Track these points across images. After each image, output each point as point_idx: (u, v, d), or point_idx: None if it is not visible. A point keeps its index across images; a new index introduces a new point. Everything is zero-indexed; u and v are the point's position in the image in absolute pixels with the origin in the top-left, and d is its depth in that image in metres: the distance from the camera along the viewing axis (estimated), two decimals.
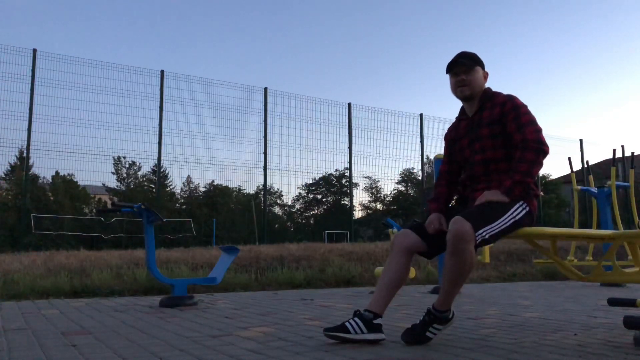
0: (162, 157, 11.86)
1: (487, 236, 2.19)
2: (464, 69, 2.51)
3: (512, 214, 2.29)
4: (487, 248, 5.66)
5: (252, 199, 19.77)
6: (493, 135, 2.44)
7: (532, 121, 2.40)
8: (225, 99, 13.00)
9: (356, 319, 2.28)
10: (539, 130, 2.39)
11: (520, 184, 2.30)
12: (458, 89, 2.53)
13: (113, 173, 21.12)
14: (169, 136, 12.01)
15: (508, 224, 2.27)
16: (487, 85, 2.59)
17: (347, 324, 2.25)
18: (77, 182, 19.47)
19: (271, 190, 20.91)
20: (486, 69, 2.59)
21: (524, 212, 2.33)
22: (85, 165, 11.68)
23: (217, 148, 12.77)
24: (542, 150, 2.33)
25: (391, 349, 2.16)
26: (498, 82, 63.22)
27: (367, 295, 4.90)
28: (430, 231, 2.42)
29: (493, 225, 2.23)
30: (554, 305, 3.89)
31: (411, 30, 67.66)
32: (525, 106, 2.47)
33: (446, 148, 2.70)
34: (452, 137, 2.65)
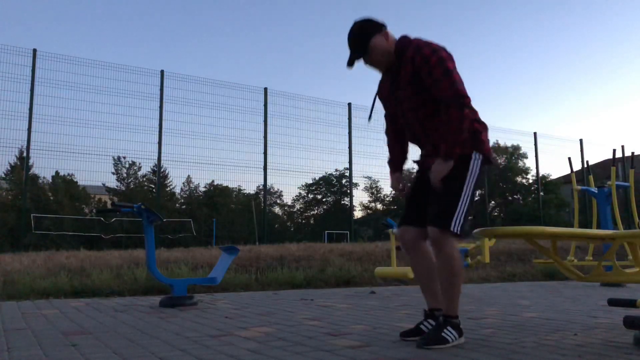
0: (162, 157, 11.85)
1: (459, 225, 2.25)
2: (362, 57, 2.40)
3: (468, 181, 2.29)
4: (487, 248, 5.67)
5: (252, 199, 19.77)
6: (416, 93, 2.31)
7: (445, 72, 2.22)
8: (225, 99, 12.99)
9: (450, 328, 2.24)
10: (454, 81, 2.22)
11: (456, 143, 2.23)
12: (374, 70, 2.47)
13: (113, 173, 21.14)
14: (169, 136, 12.00)
15: (469, 194, 2.29)
16: (399, 35, 2.43)
17: (445, 335, 2.20)
18: (77, 182, 19.49)
19: (271, 190, 20.92)
20: (389, 31, 2.39)
21: (478, 165, 2.32)
22: (85, 165, 11.65)
23: (217, 148, 12.77)
24: (463, 104, 2.21)
25: (391, 349, 2.16)
26: (498, 81, 63.25)
27: (367, 296, 4.90)
28: (403, 196, 2.46)
29: (458, 210, 2.26)
30: (554, 305, 3.88)
31: (411, 30, 67.57)
32: (435, 53, 2.26)
33: (384, 106, 2.58)
34: (384, 95, 2.52)
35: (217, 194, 21.93)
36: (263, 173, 12.64)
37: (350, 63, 2.41)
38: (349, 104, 14.09)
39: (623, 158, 7.52)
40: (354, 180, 16.11)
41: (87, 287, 5.18)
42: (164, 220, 4.50)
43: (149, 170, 20.41)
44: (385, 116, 2.61)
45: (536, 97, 67.37)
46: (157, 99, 11.96)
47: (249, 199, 20.35)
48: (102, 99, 11.70)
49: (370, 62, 2.42)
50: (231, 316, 3.32)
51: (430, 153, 2.40)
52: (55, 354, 2.09)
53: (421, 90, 2.30)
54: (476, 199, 2.34)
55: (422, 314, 2.50)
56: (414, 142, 2.52)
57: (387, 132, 2.63)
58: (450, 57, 2.29)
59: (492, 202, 32.97)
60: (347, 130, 13.95)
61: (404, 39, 2.39)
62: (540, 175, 19.62)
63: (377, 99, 2.58)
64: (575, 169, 6.95)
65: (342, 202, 24.32)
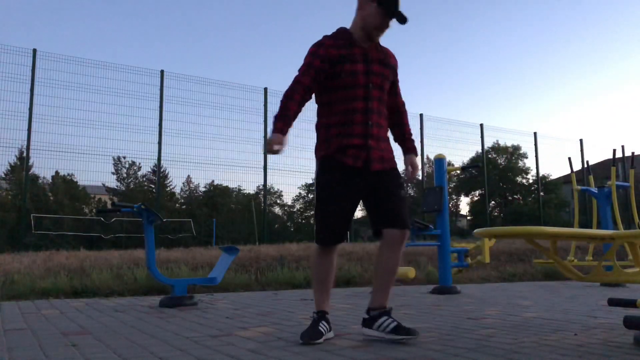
0: (162, 157, 11.84)
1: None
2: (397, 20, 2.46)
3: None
4: (487, 248, 5.66)
5: (252, 199, 19.76)
6: (389, 80, 2.54)
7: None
8: (225, 99, 12.99)
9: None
10: None
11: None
12: (380, 33, 2.48)
13: (113, 173, 21.15)
14: (169, 136, 11.99)
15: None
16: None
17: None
18: (77, 182, 19.48)
19: (271, 190, 20.89)
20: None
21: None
22: (85, 165, 11.65)
23: (217, 148, 12.76)
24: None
25: (391, 349, 2.16)
26: (498, 81, 63.20)
27: (367, 295, 4.90)
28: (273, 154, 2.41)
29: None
30: (554, 305, 3.88)
31: (411, 30, 67.61)
32: None
33: (324, 62, 2.41)
34: (342, 54, 2.42)
35: (217, 194, 21.92)
36: (263, 173, 12.64)
37: (405, 19, 2.48)
38: None
39: (623, 158, 7.52)
40: None
41: (87, 287, 5.18)
42: (164, 220, 4.50)
43: (149, 170, 20.43)
44: (311, 74, 2.41)
45: (536, 97, 67.38)
46: (157, 99, 11.96)
47: (249, 199, 20.33)
48: (102, 99, 11.71)
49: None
50: (231, 316, 3.32)
51: (374, 144, 2.43)
52: (55, 354, 2.09)
53: (391, 81, 2.58)
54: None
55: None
56: (359, 118, 2.41)
57: (299, 89, 2.41)
58: None
59: (492, 202, 33.01)
60: None
61: None
62: (540, 175, 19.61)
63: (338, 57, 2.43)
64: (575, 169, 6.95)
65: None
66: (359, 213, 26.43)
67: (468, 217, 36.18)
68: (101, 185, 19.47)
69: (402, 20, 2.43)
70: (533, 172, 29.98)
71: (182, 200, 22.13)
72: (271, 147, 2.31)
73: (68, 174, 18.49)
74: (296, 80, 2.41)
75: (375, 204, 2.43)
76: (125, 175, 22.47)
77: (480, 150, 16.76)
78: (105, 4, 59.98)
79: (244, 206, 20.94)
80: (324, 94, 2.47)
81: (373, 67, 2.46)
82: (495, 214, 32.33)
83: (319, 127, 2.54)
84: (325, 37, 2.50)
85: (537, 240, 2.44)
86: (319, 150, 2.51)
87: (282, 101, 2.40)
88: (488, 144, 22.89)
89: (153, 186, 20.57)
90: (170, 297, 3.96)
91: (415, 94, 57.65)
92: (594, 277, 2.46)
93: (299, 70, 2.44)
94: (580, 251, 8.04)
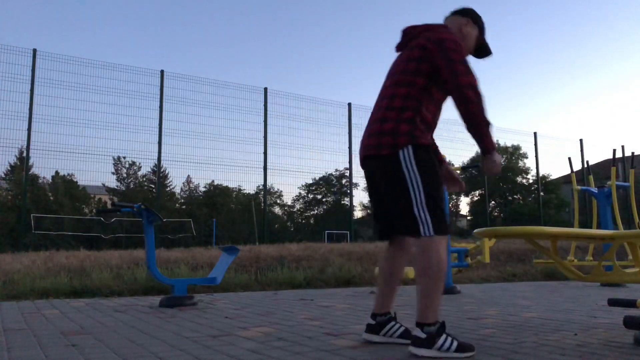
0: (162, 157, 11.85)
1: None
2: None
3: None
4: (487, 248, 5.66)
5: (252, 199, 19.77)
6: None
7: None
8: (225, 99, 13.01)
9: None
10: None
11: None
12: (467, 54, 2.43)
13: (113, 173, 21.17)
14: (169, 136, 12.01)
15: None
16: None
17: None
18: (77, 182, 19.51)
19: (271, 190, 20.92)
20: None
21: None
22: (85, 165, 11.66)
23: (217, 148, 12.77)
24: None
25: (391, 349, 2.15)
26: (498, 81, 63.18)
27: (367, 295, 4.89)
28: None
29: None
30: (554, 305, 3.88)
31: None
32: None
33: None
34: None
35: (217, 194, 21.93)
36: (263, 173, 12.65)
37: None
38: (349, 104, 14.10)
39: (623, 158, 7.52)
40: (354, 180, 16.16)
41: (87, 287, 5.18)
42: (164, 220, 4.50)
43: (149, 170, 20.45)
44: None
45: (536, 97, 67.38)
46: (157, 99, 11.97)
47: (249, 199, 20.35)
48: (102, 99, 11.72)
49: None
50: (231, 316, 3.32)
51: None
52: (55, 354, 2.09)
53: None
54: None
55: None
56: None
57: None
58: None
59: (492, 202, 33.01)
60: (347, 130, 13.97)
61: None
62: (540, 175, 19.61)
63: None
64: (575, 169, 6.95)
65: (342, 202, 24.34)
66: (359, 213, 26.48)
67: (468, 217, 36.22)
68: (101, 185, 19.48)
69: (483, 56, 2.51)
70: (533, 172, 30.02)
71: (182, 200, 22.14)
72: (499, 168, 2.15)
73: (68, 174, 18.53)
74: (478, 87, 2.12)
75: None
76: (125, 175, 22.50)
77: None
78: (105, 4, 59.99)
79: (244, 206, 20.96)
80: (433, 83, 2.19)
81: None
82: (495, 214, 32.35)
83: (413, 109, 2.17)
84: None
85: (537, 240, 2.44)
86: (413, 134, 2.14)
87: (484, 113, 2.09)
88: None
89: (153, 186, 20.59)
90: (170, 297, 3.96)
91: None
92: (594, 277, 2.46)
93: (468, 70, 2.11)
94: (580, 251, 8.04)
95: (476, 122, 2.08)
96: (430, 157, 2.17)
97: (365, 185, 2.45)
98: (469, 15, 2.42)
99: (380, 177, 2.20)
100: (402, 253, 2.36)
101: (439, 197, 2.12)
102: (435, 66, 2.14)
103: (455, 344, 2.00)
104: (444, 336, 2.01)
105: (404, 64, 2.24)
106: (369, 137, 2.25)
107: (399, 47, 2.41)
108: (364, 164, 2.33)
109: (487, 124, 2.10)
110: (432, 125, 2.25)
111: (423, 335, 2.00)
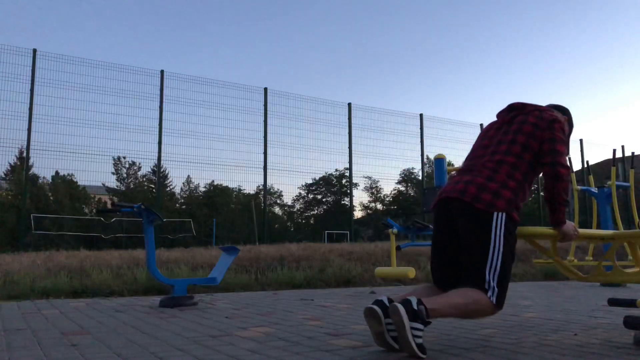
0: (162, 157, 11.85)
1: None
2: None
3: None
4: None
5: (252, 199, 19.75)
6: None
7: None
8: (225, 99, 13.00)
9: None
10: None
11: None
12: None
13: (113, 173, 21.14)
14: (169, 136, 12.00)
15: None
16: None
17: None
18: (77, 182, 19.47)
19: (271, 190, 20.88)
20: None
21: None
22: (85, 165, 11.65)
23: (217, 148, 12.76)
24: None
25: (391, 349, 2.15)
26: (498, 81, 63.19)
27: (367, 295, 4.89)
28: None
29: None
30: (554, 305, 3.88)
31: (411, 30, 67.66)
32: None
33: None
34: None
35: (217, 194, 21.90)
36: (263, 173, 12.65)
37: None
38: (349, 104, 14.10)
39: (623, 158, 7.52)
40: (354, 180, 16.13)
41: (87, 287, 5.18)
42: (164, 220, 4.50)
43: (149, 170, 20.40)
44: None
45: (536, 97, 67.36)
46: (157, 99, 11.97)
47: (249, 199, 20.32)
48: (102, 99, 11.72)
49: None
50: (231, 316, 3.32)
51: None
52: (55, 354, 2.09)
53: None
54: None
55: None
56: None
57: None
58: None
59: None
60: (347, 130, 13.97)
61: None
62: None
63: None
64: (575, 169, 6.95)
65: (342, 202, 24.31)
66: (359, 213, 26.48)
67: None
68: (101, 185, 19.45)
69: None
70: None
71: (182, 200, 22.11)
72: (574, 235, 2.37)
73: (68, 174, 18.49)
74: (569, 172, 2.40)
75: None
76: (125, 175, 22.47)
77: None
78: (105, 3, 60.00)
79: (244, 206, 20.94)
80: (536, 162, 2.37)
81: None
82: None
83: (517, 182, 2.30)
84: None
85: (537, 240, 2.44)
86: (511, 204, 2.25)
87: (566, 193, 2.31)
88: None
89: (153, 186, 20.57)
90: (170, 297, 3.96)
91: (416, 94, 57.66)
92: (594, 277, 2.47)
93: (566, 153, 2.38)
94: (580, 251, 8.04)
95: (558, 199, 2.30)
96: (515, 233, 2.28)
97: (432, 225, 2.49)
98: (567, 115, 2.67)
99: (465, 224, 2.25)
100: (442, 292, 2.29)
101: (509, 270, 2.22)
102: (541, 143, 2.33)
103: (421, 340, 1.97)
104: (422, 331, 1.98)
105: (513, 135, 2.38)
106: (467, 184, 2.29)
107: (501, 116, 2.54)
108: (446, 203, 2.34)
109: (565, 203, 2.32)
110: (525, 202, 2.39)
111: (416, 308, 1.97)
